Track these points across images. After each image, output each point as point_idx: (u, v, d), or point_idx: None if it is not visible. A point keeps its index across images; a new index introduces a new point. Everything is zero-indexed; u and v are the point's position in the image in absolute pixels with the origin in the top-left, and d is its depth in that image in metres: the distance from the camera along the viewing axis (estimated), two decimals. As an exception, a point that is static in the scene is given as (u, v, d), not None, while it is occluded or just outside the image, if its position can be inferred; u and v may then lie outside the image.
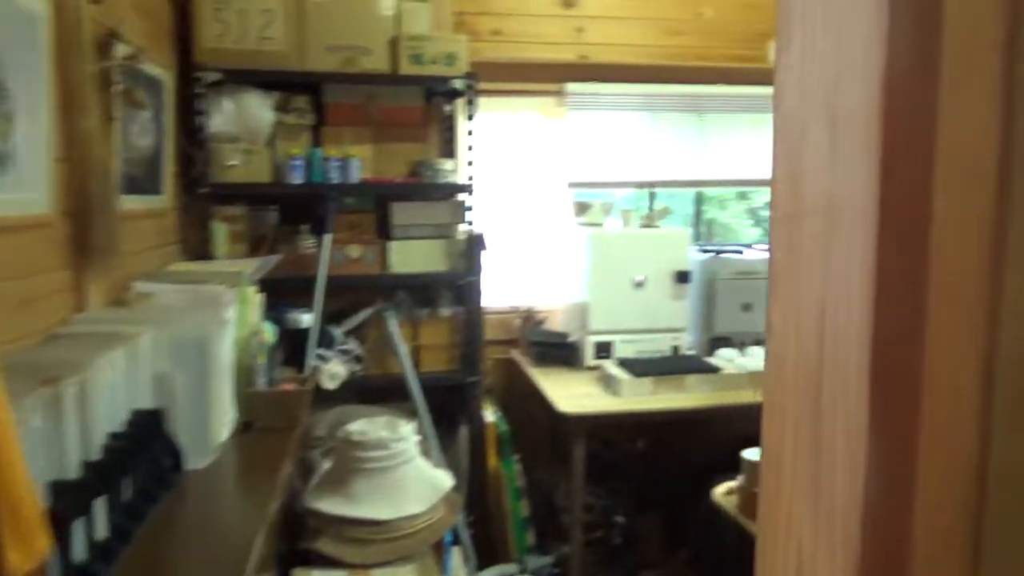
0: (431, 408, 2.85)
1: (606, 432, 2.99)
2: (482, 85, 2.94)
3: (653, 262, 2.91)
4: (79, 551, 1.08)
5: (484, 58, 3.11)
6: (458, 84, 2.86)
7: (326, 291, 2.76)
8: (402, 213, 2.92)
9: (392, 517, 1.96)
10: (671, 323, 2.96)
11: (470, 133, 2.92)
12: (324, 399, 2.69)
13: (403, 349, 2.89)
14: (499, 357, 3.32)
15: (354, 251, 2.88)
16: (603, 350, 2.93)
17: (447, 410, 2.94)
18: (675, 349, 2.97)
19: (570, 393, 2.69)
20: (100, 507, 1.17)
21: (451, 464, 2.81)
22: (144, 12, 2.20)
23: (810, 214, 0.42)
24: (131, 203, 1.97)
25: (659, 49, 3.47)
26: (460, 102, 3.08)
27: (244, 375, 1.93)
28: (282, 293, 2.60)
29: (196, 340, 1.58)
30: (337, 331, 2.89)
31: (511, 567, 2.88)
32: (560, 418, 2.60)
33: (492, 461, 2.92)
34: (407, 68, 2.82)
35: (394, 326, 2.90)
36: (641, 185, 3.27)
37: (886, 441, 0.36)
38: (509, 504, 2.87)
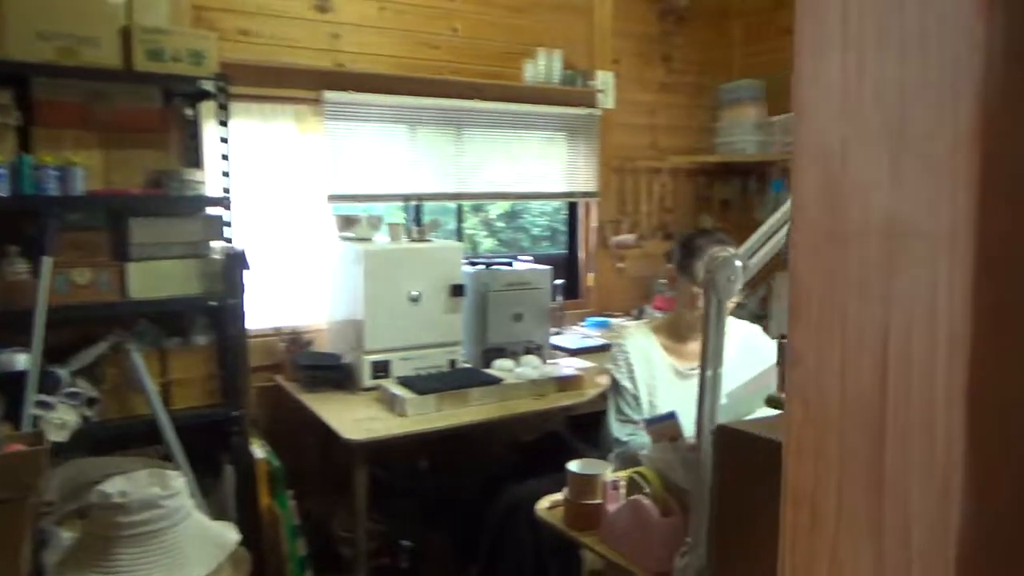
0: (187, 450, 2.53)
1: (388, 454, 2.88)
2: (232, 89, 2.68)
3: (427, 276, 2.86)
4: None
5: (232, 59, 2.83)
6: (207, 86, 2.57)
7: (47, 324, 2.31)
8: (143, 230, 2.55)
9: (168, 587, 1.67)
10: (447, 337, 2.94)
11: (224, 141, 2.63)
12: (51, 454, 2.24)
13: (150, 386, 2.52)
14: (262, 385, 3.04)
15: (82, 275, 2.45)
16: (380, 369, 2.81)
17: (207, 450, 2.62)
18: (452, 363, 2.94)
19: (353, 418, 2.53)
20: None
21: (215, 510, 2.51)
22: None
23: (858, 236, 0.40)
24: None
25: (415, 62, 3.44)
26: (206, 106, 2.77)
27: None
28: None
29: None
30: (63, 372, 2.44)
31: (292, 613, 2.64)
32: (341, 445, 2.44)
33: (264, 500, 2.66)
34: (144, 64, 2.48)
35: (138, 360, 2.52)
36: (407, 198, 3.21)
37: (986, 475, 0.35)
38: (286, 545, 2.63)
